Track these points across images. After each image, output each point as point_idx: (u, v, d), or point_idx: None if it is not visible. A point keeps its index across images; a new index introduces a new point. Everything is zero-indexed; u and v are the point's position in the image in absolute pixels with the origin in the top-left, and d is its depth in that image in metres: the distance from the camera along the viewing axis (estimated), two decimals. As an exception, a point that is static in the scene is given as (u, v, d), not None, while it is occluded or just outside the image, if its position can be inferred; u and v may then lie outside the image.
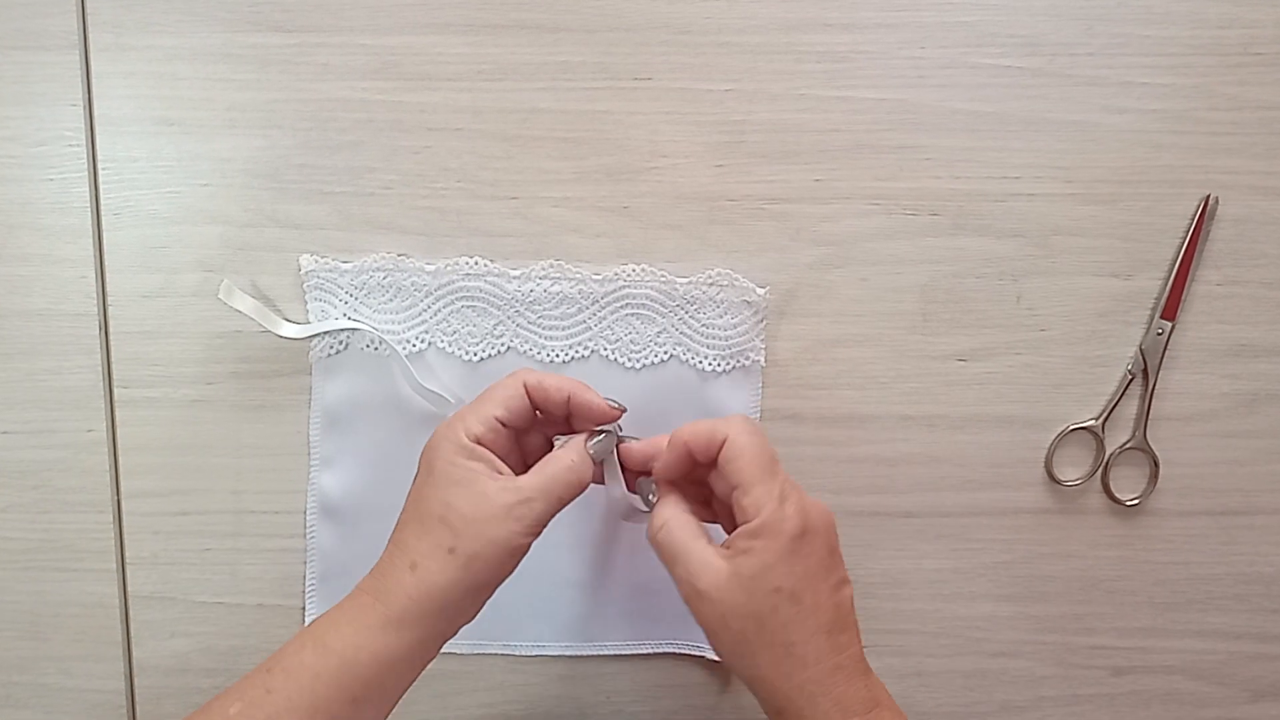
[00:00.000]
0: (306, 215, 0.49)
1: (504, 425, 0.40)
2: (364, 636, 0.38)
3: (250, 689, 0.38)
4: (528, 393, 0.41)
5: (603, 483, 0.44)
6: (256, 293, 0.49)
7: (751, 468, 0.38)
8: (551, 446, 0.43)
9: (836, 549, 0.39)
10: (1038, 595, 0.53)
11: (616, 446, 0.43)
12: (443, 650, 0.52)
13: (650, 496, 0.43)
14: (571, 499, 0.40)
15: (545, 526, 0.40)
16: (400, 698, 0.40)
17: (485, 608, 0.51)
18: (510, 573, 0.40)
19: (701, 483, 0.43)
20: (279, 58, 0.47)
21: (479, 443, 0.39)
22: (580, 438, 0.42)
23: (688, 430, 0.40)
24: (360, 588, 0.39)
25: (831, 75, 0.48)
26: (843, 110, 0.48)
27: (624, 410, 0.42)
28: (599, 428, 0.42)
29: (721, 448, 0.39)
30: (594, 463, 0.41)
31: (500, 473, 0.39)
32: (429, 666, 0.52)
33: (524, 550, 0.39)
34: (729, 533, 0.39)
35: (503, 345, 0.50)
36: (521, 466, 0.41)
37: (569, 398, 0.41)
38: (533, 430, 0.44)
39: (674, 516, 0.40)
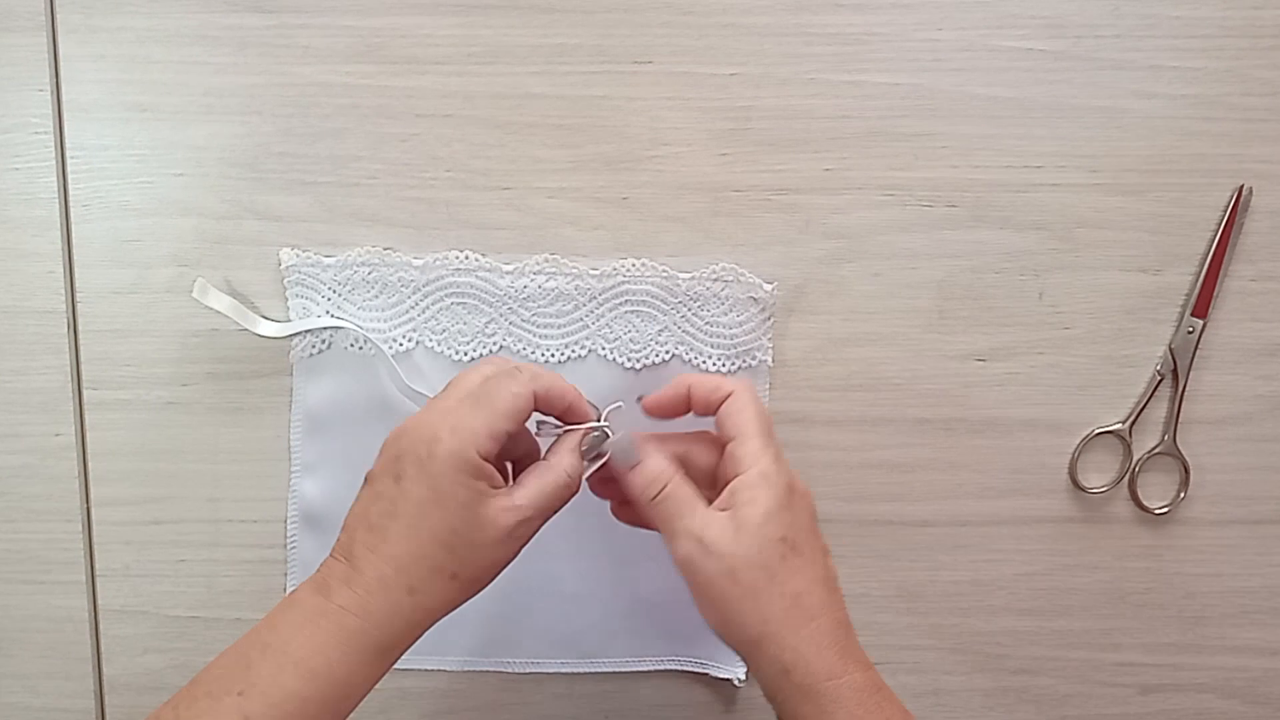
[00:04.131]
0: (287, 207, 0.48)
1: (509, 435, 0.39)
2: (356, 662, 0.36)
3: (224, 716, 0.35)
4: (534, 400, 0.39)
5: (602, 495, 0.43)
6: (234, 289, 0.48)
7: (754, 422, 0.40)
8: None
9: (816, 519, 0.41)
10: (1061, 609, 0.52)
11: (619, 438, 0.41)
12: (432, 668, 0.51)
13: (629, 454, 0.41)
14: (564, 505, 0.40)
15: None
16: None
17: (477, 622, 0.51)
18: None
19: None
20: (258, 40, 0.46)
21: (487, 459, 0.37)
22: (572, 442, 0.40)
23: (694, 376, 0.42)
24: (342, 605, 0.37)
25: (843, 58, 0.47)
26: (855, 96, 0.47)
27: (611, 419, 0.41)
28: (590, 425, 0.41)
29: (725, 400, 0.40)
30: (583, 461, 0.41)
31: (496, 487, 0.38)
32: (417, 685, 0.52)
33: (511, 562, 0.39)
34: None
35: (495, 344, 0.48)
36: (501, 460, 0.40)
37: (568, 407, 0.40)
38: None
39: (675, 474, 0.40)
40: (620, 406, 0.41)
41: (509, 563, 0.39)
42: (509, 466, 0.41)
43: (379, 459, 0.38)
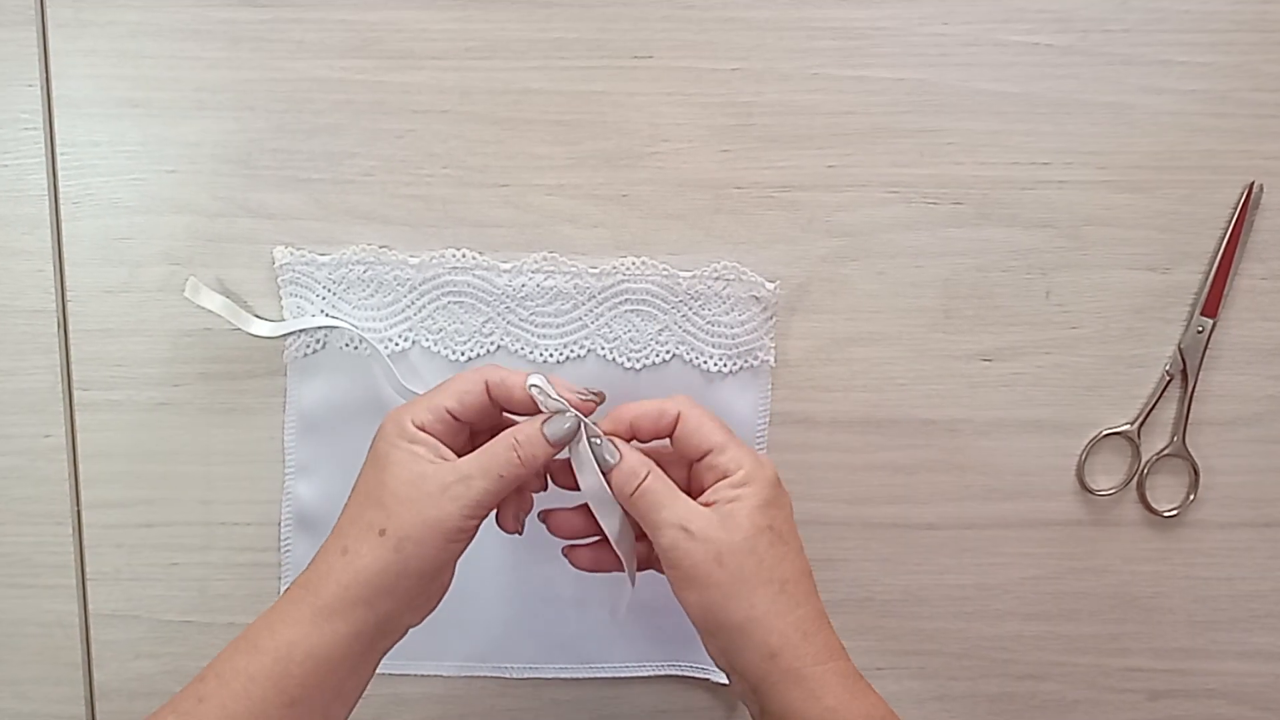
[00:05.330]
0: (281, 204, 0.47)
1: (455, 418, 0.39)
2: (296, 632, 0.36)
3: (183, 700, 0.36)
4: (488, 390, 0.39)
5: (574, 487, 0.41)
6: (226, 288, 0.48)
7: (720, 432, 0.40)
8: None
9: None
10: (1069, 613, 0.51)
11: (588, 429, 0.39)
12: (430, 674, 0.50)
13: (608, 457, 0.40)
14: (518, 480, 0.38)
15: (489, 510, 0.39)
16: (346, 704, 0.38)
17: (474, 626, 0.49)
18: (450, 561, 0.39)
19: None
20: (251, 34, 0.46)
21: (423, 430, 0.38)
22: (537, 419, 0.39)
23: (632, 409, 0.40)
24: (294, 582, 0.38)
25: (847, 53, 0.47)
26: (859, 91, 0.47)
27: (599, 400, 0.40)
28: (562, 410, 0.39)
29: (676, 423, 0.40)
30: (549, 445, 0.39)
31: (444, 458, 0.38)
32: (414, 691, 0.51)
33: (463, 535, 0.38)
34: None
35: (492, 344, 0.48)
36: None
37: (520, 401, 0.39)
38: (497, 430, 0.41)
39: (652, 467, 0.39)
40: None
41: (459, 532, 0.37)
42: None
43: None
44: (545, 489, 0.42)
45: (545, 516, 0.42)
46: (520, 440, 0.38)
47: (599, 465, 0.39)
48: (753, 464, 0.39)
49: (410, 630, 0.40)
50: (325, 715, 0.37)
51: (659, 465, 0.40)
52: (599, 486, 0.39)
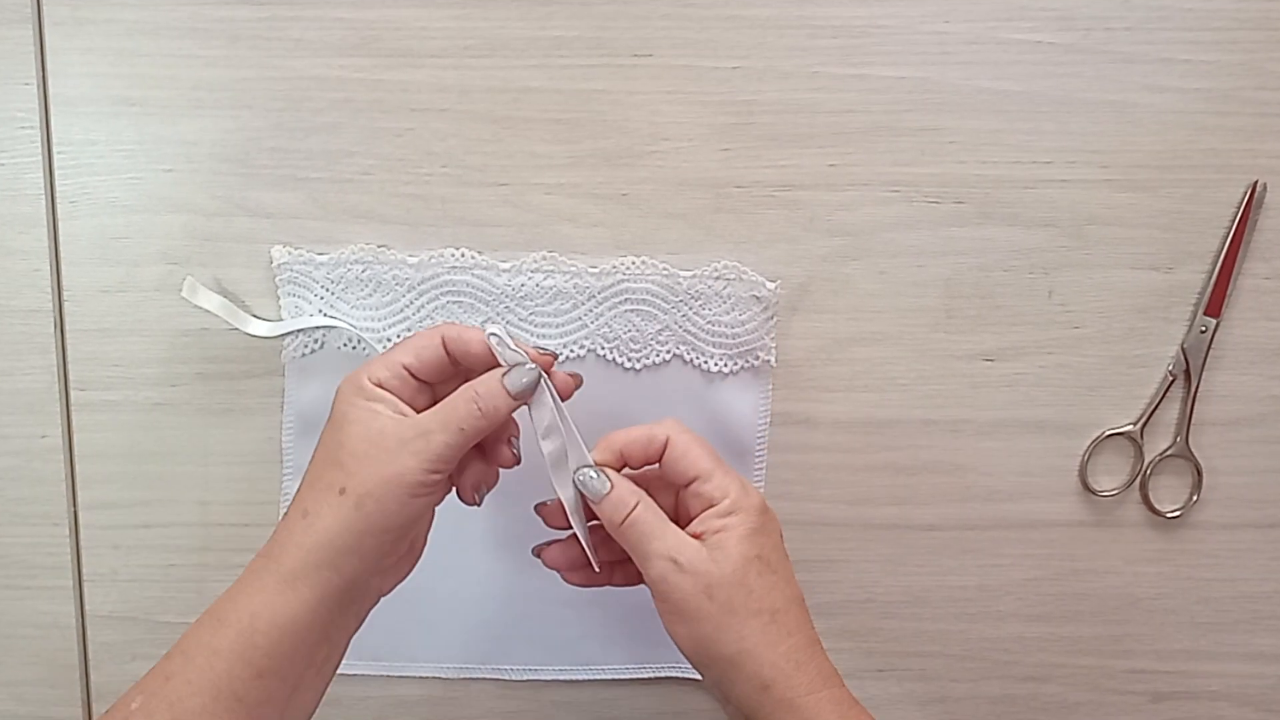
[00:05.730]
0: (279, 203, 0.47)
1: (413, 376, 0.38)
2: (258, 601, 0.36)
3: (150, 679, 0.36)
4: (445, 345, 0.39)
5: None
6: (224, 288, 0.47)
7: (707, 459, 0.39)
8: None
9: (782, 538, 0.41)
10: (1071, 615, 0.51)
11: (550, 388, 0.39)
12: (428, 675, 0.50)
13: (599, 487, 0.39)
14: (479, 433, 0.37)
15: (450, 465, 0.37)
16: (321, 675, 0.37)
17: (473, 628, 0.49)
18: (413, 519, 0.37)
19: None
20: (249, 32, 0.46)
21: (381, 386, 0.38)
22: (498, 372, 0.38)
23: (621, 436, 0.40)
24: (257, 553, 0.37)
25: (847, 52, 0.46)
26: (860, 90, 0.47)
27: (554, 357, 0.40)
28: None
29: (665, 448, 0.39)
30: (511, 397, 0.38)
31: (403, 414, 0.37)
32: (413, 693, 0.51)
33: (424, 489, 0.36)
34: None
35: None
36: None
37: (477, 355, 0.39)
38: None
39: (642, 497, 0.39)
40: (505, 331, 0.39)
41: (420, 487, 0.36)
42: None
43: None
44: (517, 463, 0.40)
45: (538, 551, 0.42)
46: (480, 393, 0.37)
47: (589, 496, 0.39)
48: (739, 491, 0.39)
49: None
50: (297, 685, 0.36)
51: (650, 490, 0.40)
52: (558, 449, 0.39)
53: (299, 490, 0.38)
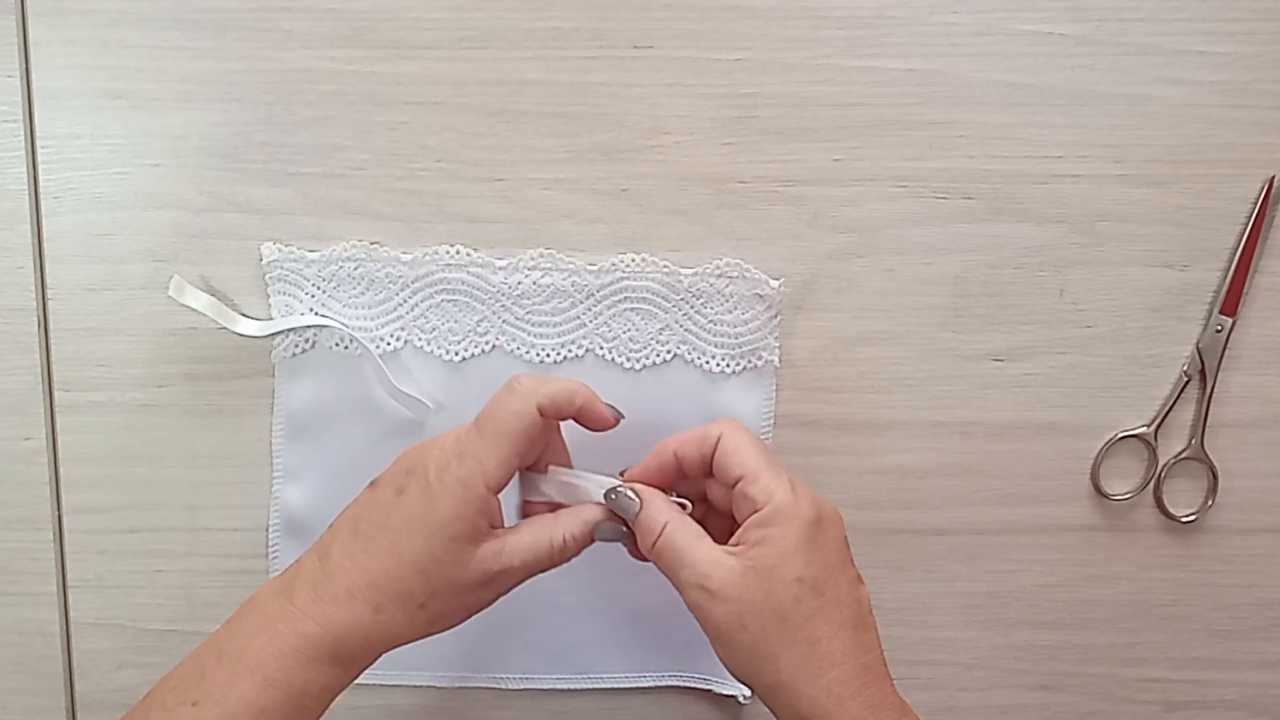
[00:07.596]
0: (269, 199, 0.46)
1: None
2: (312, 671, 0.36)
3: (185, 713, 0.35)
4: (540, 414, 0.38)
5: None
6: (212, 286, 0.47)
7: (756, 457, 0.37)
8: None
9: (847, 545, 0.38)
10: (1083, 622, 0.51)
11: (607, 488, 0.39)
12: (424, 684, 0.50)
13: (628, 506, 0.39)
14: (541, 570, 0.39)
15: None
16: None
17: (470, 635, 0.48)
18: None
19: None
20: (238, 23, 0.45)
21: (495, 490, 0.37)
22: (588, 513, 0.39)
23: (675, 439, 0.39)
24: (302, 609, 0.36)
25: (854, 43, 0.46)
26: (866, 82, 0.46)
27: (619, 419, 0.41)
28: (612, 498, 0.39)
29: (716, 446, 0.38)
30: (592, 540, 0.39)
31: (494, 526, 0.38)
32: (407, 702, 0.51)
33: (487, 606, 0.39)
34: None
35: (487, 344, 0.47)
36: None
37: (579, 408, 0.39)
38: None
39: (671, 517, 0.38)
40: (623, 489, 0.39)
41: (481, 609, 0.38)
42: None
43: (391, 466, 0.38)
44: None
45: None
46: (569, 544, 0.38)
47: (624, 517, 0.39)
48: (784, 496, 0.36)
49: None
50: None
51: (709, 491, 0.40)
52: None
53: (369, 567, 0.36)
